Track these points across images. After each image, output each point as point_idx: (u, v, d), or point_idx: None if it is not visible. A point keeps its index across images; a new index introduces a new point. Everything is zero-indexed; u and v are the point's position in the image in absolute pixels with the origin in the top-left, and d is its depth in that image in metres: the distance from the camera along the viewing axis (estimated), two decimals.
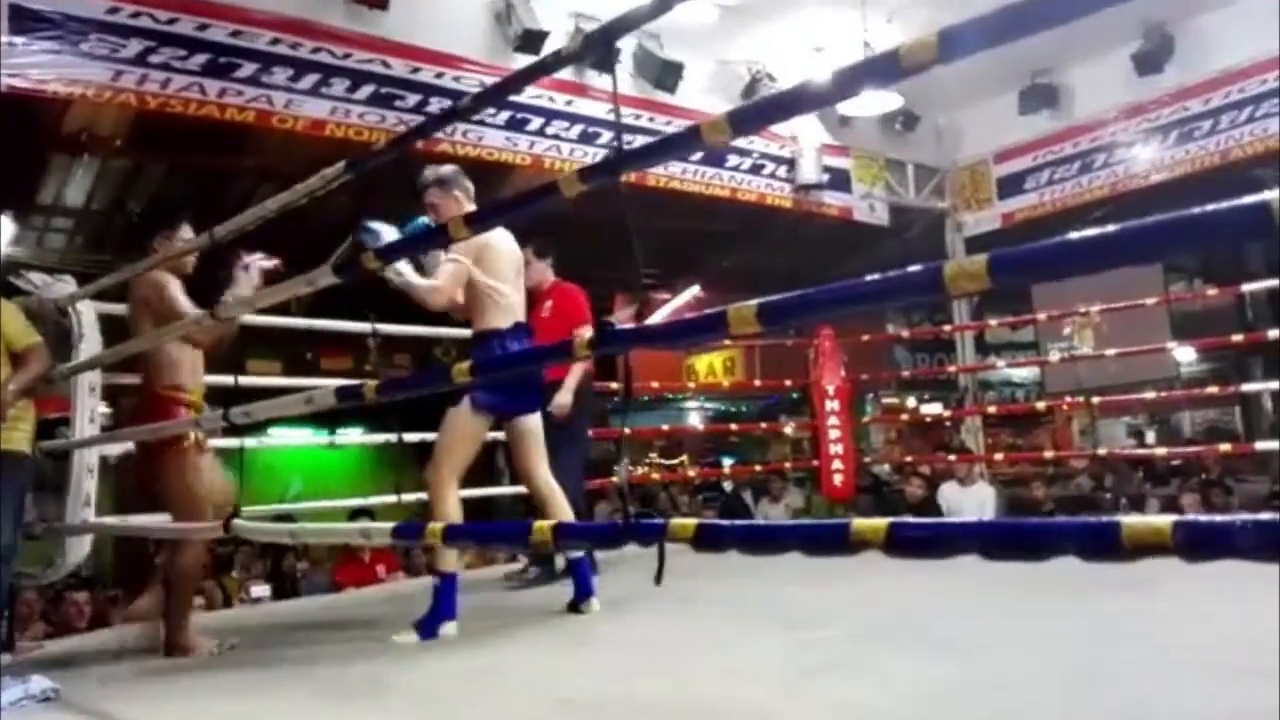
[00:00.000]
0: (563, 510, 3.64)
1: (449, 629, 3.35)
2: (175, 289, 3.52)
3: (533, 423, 3.74)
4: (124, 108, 5.58)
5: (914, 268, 1.25)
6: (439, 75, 6.33)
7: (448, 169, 3.74)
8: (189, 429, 3.45)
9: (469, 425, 3.49)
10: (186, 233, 3.69)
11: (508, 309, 3.56)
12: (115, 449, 4.29)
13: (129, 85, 5.28)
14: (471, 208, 3.58)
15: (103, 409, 4.27)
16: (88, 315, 4.15)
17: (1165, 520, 0.92)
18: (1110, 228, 1.04)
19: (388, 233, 2.65)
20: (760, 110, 1.66)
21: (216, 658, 3.36)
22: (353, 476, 11.59)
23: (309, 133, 5.89)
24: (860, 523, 1.15)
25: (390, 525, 2.20)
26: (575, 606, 3.62)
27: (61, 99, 5.39)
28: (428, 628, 3.33)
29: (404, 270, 3.29)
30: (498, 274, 3.54)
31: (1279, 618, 2.16)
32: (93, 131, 6.66)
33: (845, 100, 2.41)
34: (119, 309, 3.91)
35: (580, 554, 3.68)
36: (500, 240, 3.59)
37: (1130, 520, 0.93)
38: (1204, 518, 0.92)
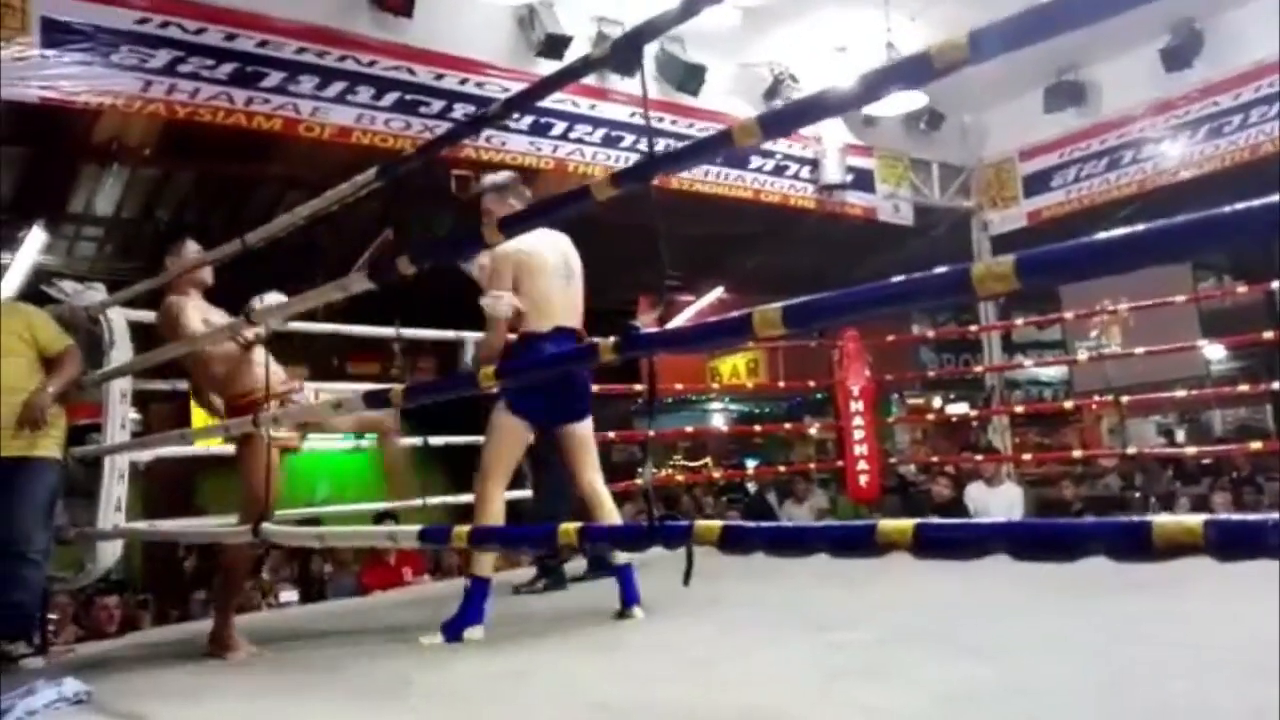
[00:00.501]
0: (610, 514, 3.63)
1: (475, 633, 3.35)
2: (188, 312, 3.54)
3: (581, 430, 3.68)
4: (153, 117, 5.64)
5: (941, 269, 1.25)
6: (463, 81, 6.37)
7: (504, 176, 3.77)
8: (221, 434, 3.50)
9: (506, 430, 3.49)
10: (192, 248, 3.72)
11: (548, 313, 3.51)
12: (146, 455, 4.35)
13: (158, 95, 5.35)
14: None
15: (133, 415, 4.33)
16: (118, 322, 4.21)
17: (1197, 519, 0.91)
18: (1139, 227, 1.03)
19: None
20: (791, 113, 1.66)
21: (246, 661, 3.39)
22: (379, 480, 11.63)
23: (335, 140, 5.94)
24: (887, 524, 1.15)
25: (417, 529, 2.21)
26: (623, 613, 3.56)
27: (92, 109, 5.47)
28: (453, 630, 3.34)
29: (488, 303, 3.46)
30: (537, 284, 3.51)
31: None
32: (122, 141, 6.75)
33: (876, 101, 2.42)
34: (149, 316, 3.96)
35: (626, 560, 3.62)
36: (539, 246, 3.54)
37: (1161, 519, 0.93)
38: (1235, 516, 0.91)
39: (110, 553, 4.28)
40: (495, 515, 3.45)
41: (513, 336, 3.59)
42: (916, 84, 1.45)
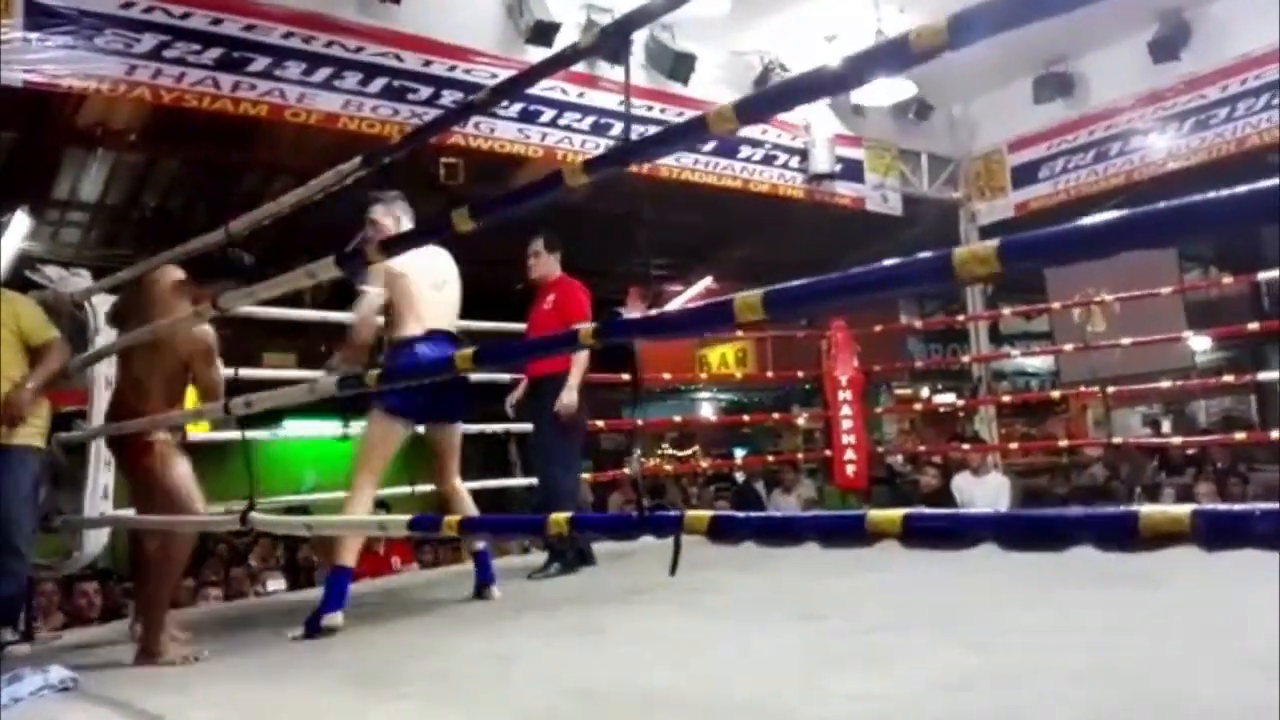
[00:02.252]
0: (469, 510, 3.89)
1: (335, 619, 3.41)
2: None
3: (453, 431, 3.97)
4: (138, 102, 5.60)
5: (923, 254, 1.24)
6: (451, 68, 6.33)
7: (392, 193, 3.90)
8: (187, 420, 3.44)
9: (381, 430, 3.68)
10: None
11: (422, 317, 3.73)
12: None
13: (143, 80, 5.30)
14: (409, 228, 3.73)
15: None
16: (104, 309, 4.17)
17: (1184, 509, 0.92)
18: (1123, 211, 1.03)
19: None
20: (768, 98, 1.64)
21: (228, 649, 3.37)
22: None
23: (322, 126, 5.91)
24: (876, 513, 1.15)
25: (406, 518, 2.21)
26: (481, 594, 3.97)
27: (76, 94, 5.42)
28: (313, 621, 3.41)
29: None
30: (412, 296, 3.73)
31: None
32: (107, 126, 6.69)
33: (854, 88, 2.41)
34: None
35: (482, 545, 4.06)
36: (416, 265, 3.71)
37: (1149, 509, 0.93)
38: (1223, 507, 0.92)
39: (96, 540, 4.26)
40: (361, 511, 3.58)
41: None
42: (896, 69, 1.43)
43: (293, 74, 5.75)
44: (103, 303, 4.17)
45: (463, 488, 3.99)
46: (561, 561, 4.59)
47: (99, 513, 4.10)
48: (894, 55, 1.39)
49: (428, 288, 3.80)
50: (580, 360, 4.45)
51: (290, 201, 2.92)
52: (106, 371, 4.13)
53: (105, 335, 4.13)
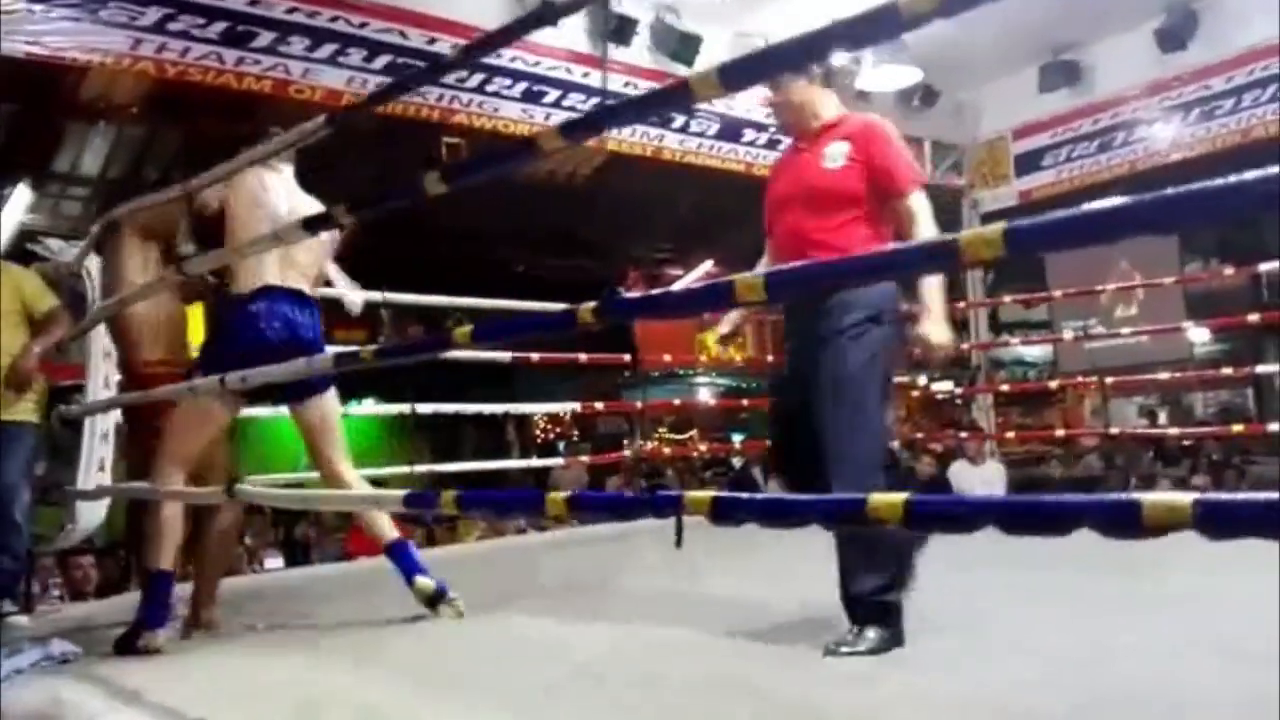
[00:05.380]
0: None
1: (156, 639, 2.96)
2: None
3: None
4: (141, 76, 5.57)
5: (929, 239, 1.24)
6: (455, 46, 6.30)
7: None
8: (184, 394, 3.42)
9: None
10: None
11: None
12: None
13: (147, 53, 5.27)
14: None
15: (116, 376, 4.30)
16: (100, 276, 4.14)
17: (1185, 497, 0.92)
18: (1129, 198, 1.03)
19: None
20: (754, 63, 1.60)
21: (230, 626, 3.39)
22: (365, 447, 11.68)
23: (326, 102, 5.88)
24: (878, 498, 1.15)
25: (402, 493, 2.21)
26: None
27: (79, 67, 5.39)
28: (128, 640, 2.98)
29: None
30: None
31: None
32: (109, 99, 6.66)
33: (841, 52, 2.38)
34: None
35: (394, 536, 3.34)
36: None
37: (1151, 497, 0.94)
38: (1224, 495, 0.92)
39: (94, 513, 4.25)
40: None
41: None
42: (885, 37, 1.41)
43: (297, 50, 5.72)
44: (96, 268, 4.14)
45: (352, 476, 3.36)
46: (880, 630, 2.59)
47: (94, 486, 4.10)
48: (884, 21, 1.37)
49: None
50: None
51: (248, 159, 2.91)
52: (105, 344, 4.12)
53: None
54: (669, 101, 1.94)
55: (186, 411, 3.09)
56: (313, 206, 3.24)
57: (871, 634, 2.50)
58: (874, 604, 2.54)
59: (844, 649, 2.48)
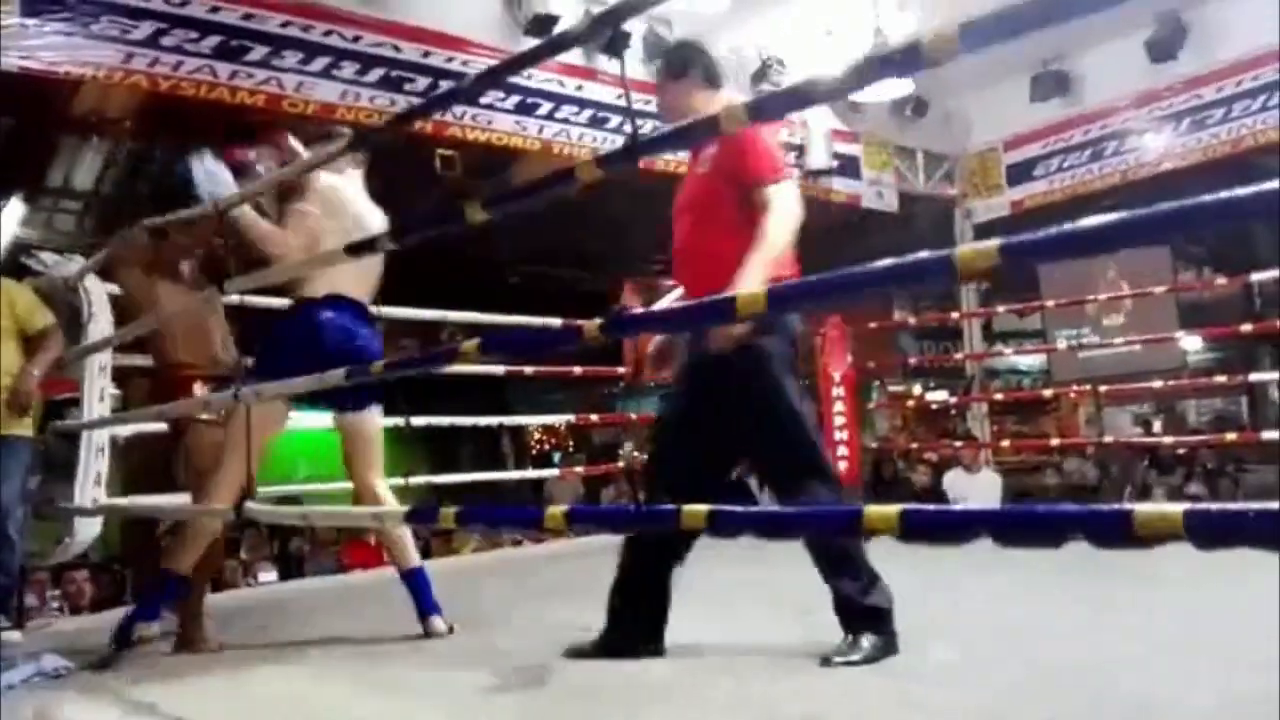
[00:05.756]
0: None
1: (151, 629, 3.01)
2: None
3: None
4: (135, 90, 5.58)
5: (925, 253, 1.26)
6: (449, 59, 6.32)
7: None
8: (197, 408, 3.43)
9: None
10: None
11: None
12: (125, 430, 4.32)
13: (140, 67, 5.28)
14: (351, 175, 3.34)
15: (112, 389, 4.29)
16: (97, 293, 4.15)
17: (1177, 508, 0.93)
18: (1122, 213, 1.05)
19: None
20: (781, 100, 1.66)
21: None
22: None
23: (320, 116, 5.89)
24: (873, 509, 1.16)
25: (403, 509, 2.22)
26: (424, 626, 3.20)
27: (72, 81, 5.39)
28: (122, 633, 3.00)
29: (246, 211, 3.06)
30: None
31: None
32: (103, 114, 6.66)
33: (864, 89, 2.38)
34: None
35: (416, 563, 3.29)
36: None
37: (1142, 507, 0.94)
38: (1215, 505, 0.93)
39: (90, 528, 4.24)
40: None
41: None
42: (908, 73, 1.44)
43: (290, 63, 5.73)
44: (96, 286, 4.16)
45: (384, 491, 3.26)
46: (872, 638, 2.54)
47: (91, 500, 4.09)
48: (906, 59, 1.40)
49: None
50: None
51: (275, 179, 2.92)
52: (101, 359, 4.13)
53: (100, 321, 4.12)
54: (702, 133, 1.99)
55: (247, 418, 2.98)
56: (379, 217, 3.25)
57: (865, 643, 2.47)
58: (860, 608, 2.51)
59: (838, 659, 2.45)
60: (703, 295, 2.33)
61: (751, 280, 2.33)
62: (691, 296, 2.64)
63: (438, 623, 3.15)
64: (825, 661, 2.45)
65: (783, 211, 2.56)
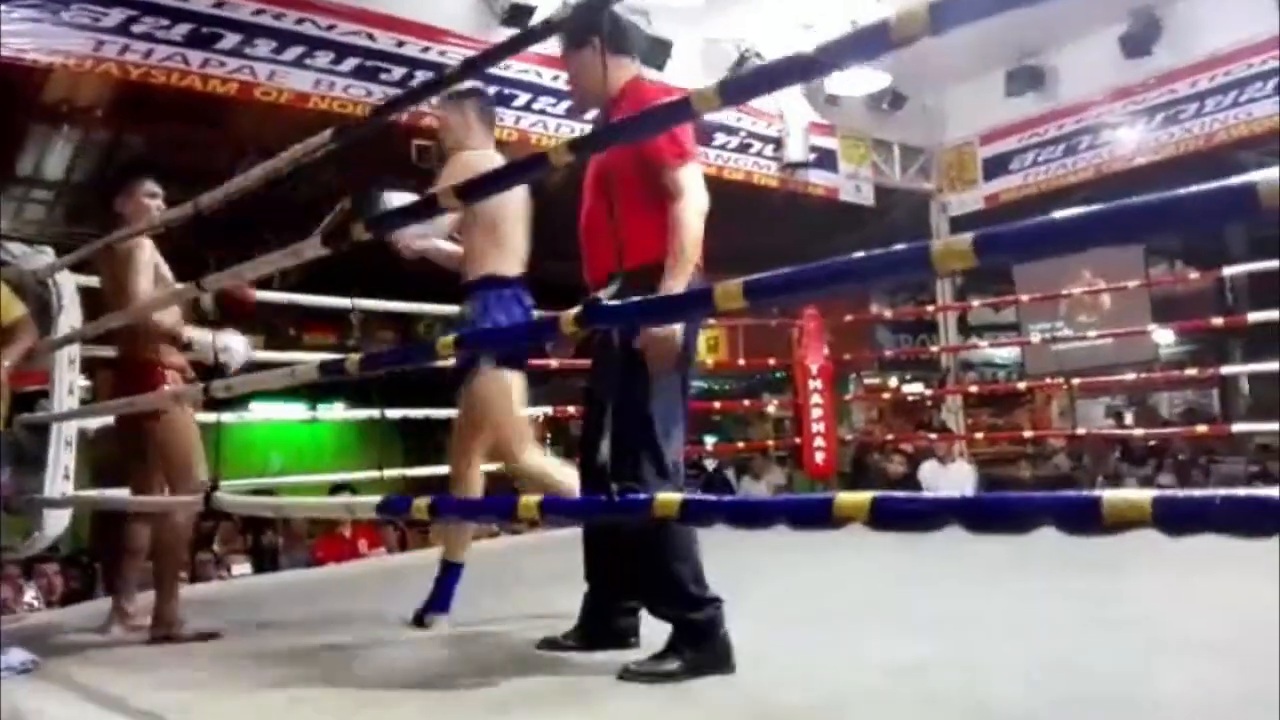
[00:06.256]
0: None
1: (440, 623, 3.11)
2: (141, 261, 3.44)
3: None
4: (105, 78, 5.51)
5: (901, 246, 1.26)
6: (425, 49, 6.28)
7: (464, 86, 3.29)
8: (168, 402, 3.40)
9: (506, 386, 3.17)
10: (149, 188, 3.54)
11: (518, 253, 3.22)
12: (94, 422, 4.27)
13: (110, 55, 5.21)
14: (488, 133, 3.36)
15: (82, 382, 4.25)
16: (67, 287, 4.11)
17: (1145, 495, 0.93)
18: (1095, 207, 1.05)
19: (395, 201, 2.54)
20: (751, 81, 1.66)
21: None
22: (334, 452, 11.61)
23: (293, 105, 5.84)
24: (844, 497, 1.16)
25: (375, 500, 2.19)
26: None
27: (41, 68, 5.32)
28: (418, 618, 3.14)
29: (425, 231, 3.15)
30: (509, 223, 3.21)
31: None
32: (73, 102, 6.58)
33: (835, 71, 2.31)
34: (98, 281, 3.86)
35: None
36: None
37: (1111, 494, 0.95)
38: (1183, 493, 0.93)
39: (58, 521, 4.21)
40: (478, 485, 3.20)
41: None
42: (876, 54, 1.43)
43: (263, 52, 5.68)
44: (66, 280, 4.12)
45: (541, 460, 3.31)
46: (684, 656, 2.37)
47: (60, 493, 4.05)
48: (873, 41, 1.40)
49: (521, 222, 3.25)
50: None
51: (259, 175, 2.89)
52: (70, 351, 4.08)
53: (70, 314, 4.07)
54: (671, 117, 1.92)
55: (490, 398, 3.11)
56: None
57: (674, 661, 2.30)
58: (682, 620, 2.36)
59: (637, 668, 2.30)
60: (602, 274, 2.41)
61: (678, 280, 2.36)
62: (591, 274, 2.58)
63: (442, 623, 3.13)
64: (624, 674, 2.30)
65: (691, 199, 2.47)
